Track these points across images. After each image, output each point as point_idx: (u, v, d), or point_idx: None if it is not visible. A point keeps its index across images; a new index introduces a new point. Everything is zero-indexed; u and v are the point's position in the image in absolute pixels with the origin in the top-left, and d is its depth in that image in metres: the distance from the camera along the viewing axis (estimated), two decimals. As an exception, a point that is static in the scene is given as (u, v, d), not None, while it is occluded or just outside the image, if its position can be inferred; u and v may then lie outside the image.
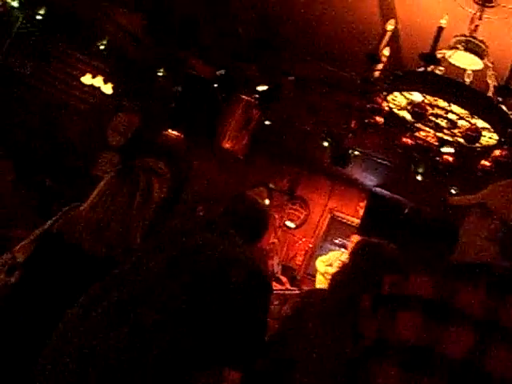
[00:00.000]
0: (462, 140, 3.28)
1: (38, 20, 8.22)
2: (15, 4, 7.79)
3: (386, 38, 3.21)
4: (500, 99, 3.03)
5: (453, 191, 8.02)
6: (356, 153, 8.24)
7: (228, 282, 2.41)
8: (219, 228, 2.69)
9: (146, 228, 3.01)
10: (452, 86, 3.03)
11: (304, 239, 11.78)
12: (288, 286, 9.72)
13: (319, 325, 2.67)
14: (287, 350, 2.68)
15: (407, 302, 1.60)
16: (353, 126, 6.93)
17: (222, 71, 6.45)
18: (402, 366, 1.53)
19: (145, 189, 2.98)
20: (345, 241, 9.62)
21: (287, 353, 2.67)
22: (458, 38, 3.32)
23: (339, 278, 2.91)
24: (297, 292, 10.21)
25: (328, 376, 2.43)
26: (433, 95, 3.06)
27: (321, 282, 8.75)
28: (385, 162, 8.71)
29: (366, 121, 3.46)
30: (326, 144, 8.24)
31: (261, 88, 6.37)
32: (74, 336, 2.29)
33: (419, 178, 7.75)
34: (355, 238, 9.07)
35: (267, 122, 8.06)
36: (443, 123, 3.30)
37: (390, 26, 3.24)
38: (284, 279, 9.72)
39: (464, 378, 1.45)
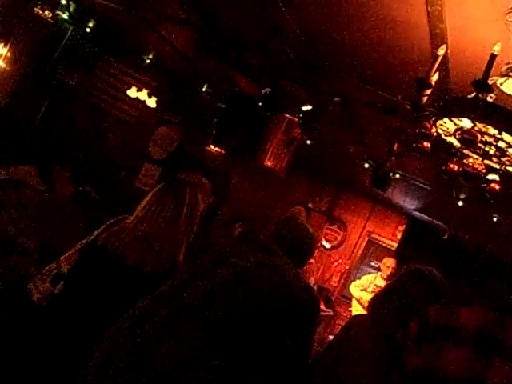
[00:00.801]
0: (510, 169, 3.24)
1: (86, 32, 8.38)
2: (65, 16, 7.94)
3: (437, 62, 3.18)
4: (551, 129, 2.99)
5: (494, 219, 7.90)
6: (397, 176, 8.17)
7: (283, 306, 2.40)
8: (273, 251, 2.68)
9: (190, 243, 3.03)
10: (503, 114, 2.99)
11: (340, 260, 11.72)
12: (322, 307, 9.67)
13: (364, 351, 2.63)
14: (331, 376, 2.65)
15: (455, 335, 1.57)
16: (395, 149, 6.88)
17: (268, 89, 6.45)
18: None
19: (191, 203, 3.00)
20: (381, 264, 9.53)
21: (331, 379, 2.64)
22: (509, 66, 3.28)
23: (383, 304, 2.86)
24: (331, 313, 10.16)
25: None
26: (483, 123, 3.03)
27: (357, 308, 8.67)
28: (425, 187, 8.63)
29: (414, 145, 3.43)
30: (366, 166, 8.19)
31: (305, 108, 6.37)
32: (120, 350, 2.29)
33: (460, 203, 7.64)
34: (388, 261, 9.01)
35: (309, 142, 8.05)
36: (492, 151, 3.25)
37: (441, 51, 3.21)
38: (319, 300, 9.65)
39: None
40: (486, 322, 1.56)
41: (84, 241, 3.04)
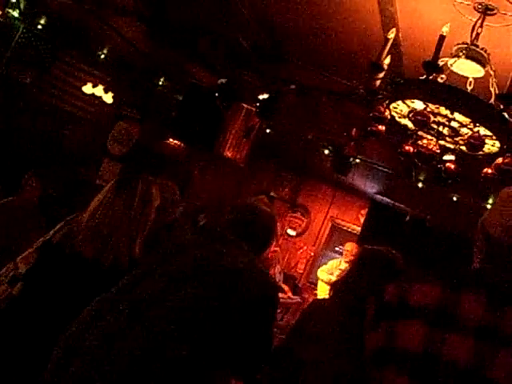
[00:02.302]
0: (464, 148, 3.29)
1: (38, 30, 8.24)
2: (16, 14, 7.80)
3: (388, 46, 3.21)
4: (502, 107, 3.03)
5: (454, 198, 8.01)
6: (357, 160, 8.23)
7: (239, 294, 2.40)
8: (228, 239, 2.67)
9: (146, 237, 3.02)
10: (454, 94, 3.03)
11: (305, 247, 11.78)
12: (290, 295, 9.72)
13: (324, 335, 2.66)
14: (293, 360, 2.67)
15: (411, 311, 1.60)
16: (353, 134, 6.93)
17: (223, 80, 6.44)
18: (407, 375, 1.53)
19: (143, 197, 2.99)
20: (344, 248, 9.66)
21: (293, 363, 2.66)
22: (459, 46, 3.32)
23: (343, 287, 2.91)
24: (299, 300, 10.22)
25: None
26: (435, 103, 3.06)
27: (322, 291, 8.76)
28: (386, 170, 8.70)
29: (369, 129, 3.46)
30: (326, 152, 8.24)
31: (262, 96, 6.37)
32: (81, 346, 2.28)
33: (420, 185, 7.75)
34: (349, 246, 9.15)
35: (268, 131, 8.07)
36: (445, 131, 3.30)
37: (391, 35, 3.24)
38: (286, 288, 9.72)
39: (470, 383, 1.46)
40: (440, 297, 1.59)
41: (41, 240, 3.00)
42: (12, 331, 2.75)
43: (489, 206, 7.08)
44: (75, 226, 2.94)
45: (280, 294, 8.77)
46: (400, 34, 4.18)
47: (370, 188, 10.60)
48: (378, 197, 10.94)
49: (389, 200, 10.73)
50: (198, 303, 2.34)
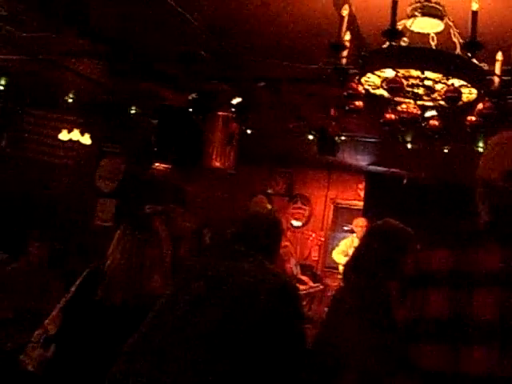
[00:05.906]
0: (443, 102, 3.31)
1: (1, 91, 8.23)
2: (-26, 81, 7.81)
3: (344, 23, 3.23)
4: (469, 54, 3.06)
5: (445, 150, 8.03)
6: (342, 138, 8.26)
7: (258, 304, 2.43)
8: (238, 252, 2.70)
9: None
10: (420, 54, 3.06)
11: (314, 234, 11.81)
12: (311, 284, 9.75)
13: (353, 320, 2.67)
14: (330, 352, 2.68)
15: (433, 279, 1.61)
16: (332, 113, 6.97)
17: (194, 94, 6.47)
18: (440, 342, 1.54)
19: (155, 234, 3.02)
20: (353, 226, 9.66)
21: (331, 355, 2.66)
22: (413, 6, 3.34)
23: (355, 270, 2.91)
24: (320, 287, 10.24)
25: (374, 366, 2.44)
26: (403, 68, 3.09)
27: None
28: (373, 140, 8.72)
29: (347, 108, 3.48)
30: (311, 137, 8.26)
31: (235, 101, 6.40)
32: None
33: (409, 146, 7.78)
34: (360, 221, 9.16)
35: (249, 132, 8.09)
36: (421, 91, 3.32)
37: (344, 11, 3.27)
38: (305, 278, 9.75)
39: (502, 334, 1.47)
40: (456, 259, 1.60)
41: (63, 299, 3.01)
42: None
43: (480, 149, 7.08)
44: (98, 277, 2.94)
45: (301, 286, 8.81)
46: (353, 8, 4.18)
47: (362, 161, 10.62)
48: (372, 168, 10.95)
49: (383, 168, 10.74)
50: (221, 323, 2.37)
